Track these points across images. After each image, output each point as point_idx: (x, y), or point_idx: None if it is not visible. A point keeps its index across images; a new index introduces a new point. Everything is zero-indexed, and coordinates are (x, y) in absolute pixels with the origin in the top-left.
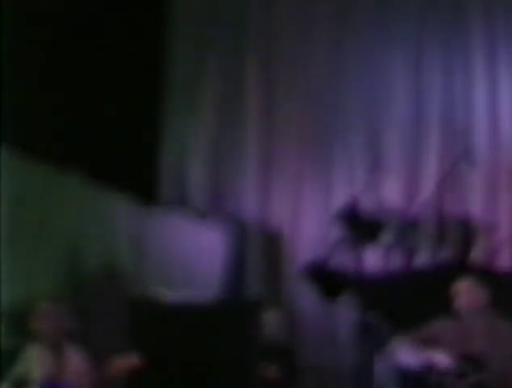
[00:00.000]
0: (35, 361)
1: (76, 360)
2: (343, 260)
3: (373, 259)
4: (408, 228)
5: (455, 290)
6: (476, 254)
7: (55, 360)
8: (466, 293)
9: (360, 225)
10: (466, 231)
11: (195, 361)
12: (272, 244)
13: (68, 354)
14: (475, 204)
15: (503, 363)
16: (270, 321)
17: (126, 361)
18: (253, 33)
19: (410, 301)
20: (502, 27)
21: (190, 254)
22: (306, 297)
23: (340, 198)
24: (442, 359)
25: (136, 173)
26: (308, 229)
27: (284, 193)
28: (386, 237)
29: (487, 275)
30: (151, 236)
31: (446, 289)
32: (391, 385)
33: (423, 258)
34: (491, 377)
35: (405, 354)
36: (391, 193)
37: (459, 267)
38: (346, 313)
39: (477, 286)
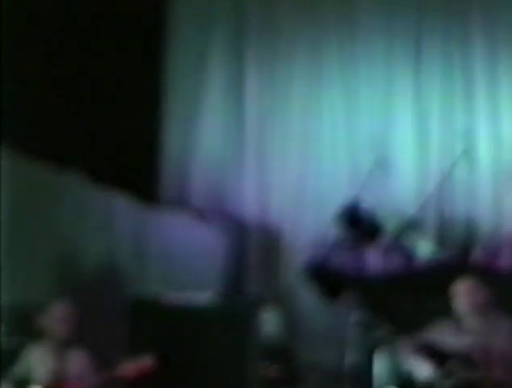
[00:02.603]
0: (37, 361)
1: (79, 361)
2: (343, 260)
3: (373, 259)
4: (408, 228)
5: (455, 290)
6: (477, 254)
7: (58, 360)
8: (466, 293)
9: (360, 225)
10: (467, 231)
11: (196, 361)
12: (272, 244)
13: (71, 354)
14: (476, 204)
15: (502, 363)
16: (270, 321)
17: (138, 364)
18: (253, 32)
19: (410, 301)
20: (502, 26)
21: (190, 254)
22: (306, 297)
23: (341, 198)
24: (422, 372)
25: (136, 173)
26: (309, 229)
27: (284, 193)
28: (386, 237)
29: (487, 275)
30: (151, 236)
31: (447, 289)
32: (390, 385)
33: (423, 258)
34: (480, 376)
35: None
36: (391, 193)
37: (460, 267)
38: (345, 313)
39: (477, 286)
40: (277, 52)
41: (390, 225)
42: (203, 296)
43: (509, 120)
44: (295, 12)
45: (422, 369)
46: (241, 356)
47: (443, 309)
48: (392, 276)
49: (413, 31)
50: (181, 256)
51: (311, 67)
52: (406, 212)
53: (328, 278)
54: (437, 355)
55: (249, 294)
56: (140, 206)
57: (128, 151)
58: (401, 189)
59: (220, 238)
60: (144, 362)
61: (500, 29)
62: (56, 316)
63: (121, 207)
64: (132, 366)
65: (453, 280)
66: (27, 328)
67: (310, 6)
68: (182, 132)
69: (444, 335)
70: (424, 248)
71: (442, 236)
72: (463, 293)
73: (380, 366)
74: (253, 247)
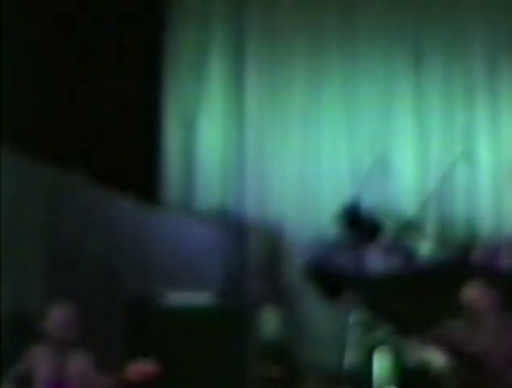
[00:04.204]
0: (38, 361)
1: (80, 363)
2: (343, 260)
3: (373, 259)
4: (408, 228)
5: (468, 292)
6: (477, 254)
7: (59, 362)
8: (479, 295)
9: (360, 225)
10: (467, 231)
11: (195, 361)
12: (272, 244)
13: (72, 356)
14: (476, 204)
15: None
16: (270, 321)
17: (142, 368)
18: (253, 32)
19: (410, 301)
20: (502, 26)
21: (191, 254)
22: (306, 297)
23: (341, 198)
24: (438, 358)
25: (137, 174)
26: (309, 229)
27: (285, 193)
28: (386, 237)
29: (488, 275)
30: (151, 236)
31: (447, 289)
32: (390, 385)
33: (423, 258)
34: (489, 376)
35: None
36: (391, 193)
37: (460, 267)
38: (345, 313)
39: (490, 288)
40: (277, 52)
41: (390, 225)
42: (203, 296)
43: (509, 120)
44: (296, 13)
45: (436, 359)
46: (241, 356)
47: (444, 309)
48: (392, 276)
49: (413, 31)
50: (181, 256)
51: (311, 68)
52: (406, 212)
53: (328, 278)
54: (453, 349)
55: (249, 294)
56: (141, 207)
57: (129, 152)
58: (401, 189)
59: (220, 239)
60: (147, 366)
61: (500, 29)
62: (57, 317)
63: (122, 208)
64: (136, 370)
65: (453, 280)
66: (28, 329)
67: (310, 8)
68: (183, 133)
69: (456, 335)
70: (424, 248)
71: (443, 236)
72: (476, 295)
73: (380, 366)
74: (253, 247)
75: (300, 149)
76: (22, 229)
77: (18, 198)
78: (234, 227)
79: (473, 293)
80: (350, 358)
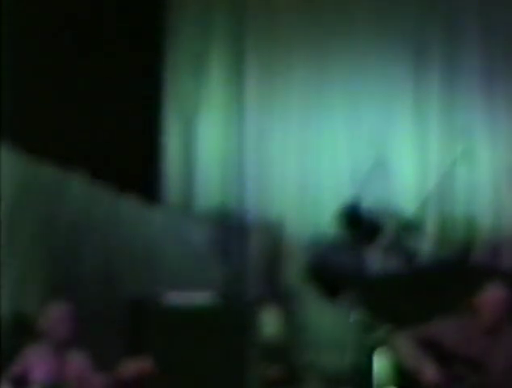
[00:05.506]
0: (35, 360)
1: (78, 363)
2: (343, 260)
3: (373, 259)
4: (408, 228)
5: (484, 296)
6: (477, 254)
7: (57, 362)
8: (496, 298)
9: (360, 225)
10: (467, 231)
11: (195, 361)
12: (272, 244)
13: (70, 356)
14: (476, 204)
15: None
16: (270, 321)
17: (137, 365)
18: (253, 32)
19: (410, 301)
20: (500, 26)
21: (191, 254)
22: (306, 297)
23: (341, 198)
24: (429, 370)
25: (137, 173)
26: (309, 228)
27: (285, 193)
28: (386, 236)
29: (488, 275)
30: (151, 236)
31: (447, 289)
32: (390, 385)
33: (423, 258)
34: (488, 380)
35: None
36: (391, 193)
37: (460, 266)
38: (345, 313)
39: (505, 291)
40: (277, 52)
41: (390, 224)
42: (203, 296)
43: (508, 119)
44: (296, 12)
45: (426, 366)
46: (241, 355)
47: (444, 309)
48: (392, 276)
49: (413, 31)
50: (181, 256)
51: (311, 67)
52: (406, 212)
53: (328, 278)
54: (441, 353)
55: (249, 294)
56: (141, 206)
57: (129, 151)
58: (401, 189)
59: (220, 239)
60: (143, 364)
61: (498, 28)
62: (56, 317)
63: (122, 208)
64: (131, 367)
65: (453, 280)
66: (28, 329)
67: (310, 8)
68: (183, 132)
69: (452, 335)
70: (424, 248)
71: (443, 236)
72: (494, 298)
73: (380, 366)
74: (253, 247)
75: (300, 149)
76: (22, 228)
77: (19, 198)
78: (234, 227)
79: (491, 295)
80: (350, 358)
